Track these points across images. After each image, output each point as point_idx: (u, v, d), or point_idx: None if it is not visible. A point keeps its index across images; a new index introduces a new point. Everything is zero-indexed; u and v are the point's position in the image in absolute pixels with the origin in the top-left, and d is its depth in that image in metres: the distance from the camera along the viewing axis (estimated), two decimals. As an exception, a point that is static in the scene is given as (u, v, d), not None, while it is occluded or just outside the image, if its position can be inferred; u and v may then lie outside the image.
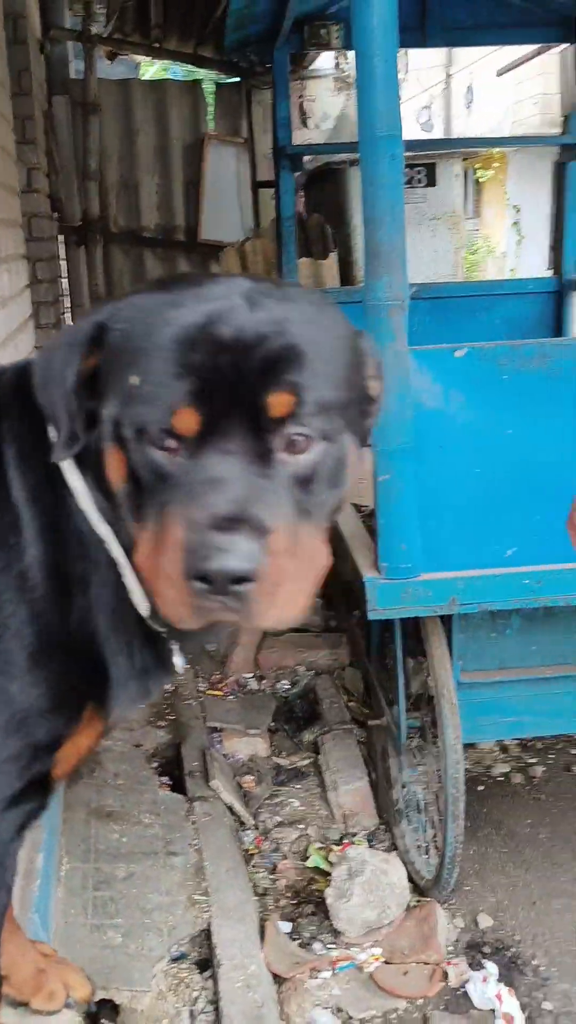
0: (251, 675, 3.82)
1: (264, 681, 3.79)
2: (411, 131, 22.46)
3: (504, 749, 3.34)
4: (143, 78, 8.14)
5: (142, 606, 1.05)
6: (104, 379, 0.97)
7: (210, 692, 3.69)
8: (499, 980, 2.30)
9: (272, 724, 3.47)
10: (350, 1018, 2.25)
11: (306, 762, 3.24)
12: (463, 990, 2.30)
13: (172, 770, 3.18)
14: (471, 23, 3.64)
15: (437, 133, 22.49)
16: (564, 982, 2.32)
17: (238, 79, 5.84)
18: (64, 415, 0.96)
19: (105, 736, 1.25)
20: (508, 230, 18.97)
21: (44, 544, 1.01)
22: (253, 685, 3.76)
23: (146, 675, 1.11)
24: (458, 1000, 2.28)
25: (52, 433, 0.99)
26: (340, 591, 3.81)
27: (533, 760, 3.27)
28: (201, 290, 0.96)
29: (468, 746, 3.28)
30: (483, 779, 3.18)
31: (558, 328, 3.99)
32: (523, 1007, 2.24)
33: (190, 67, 6.41)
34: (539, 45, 4.92)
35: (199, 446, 0.90)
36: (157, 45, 5.54)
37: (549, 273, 12.72)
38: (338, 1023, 2.23)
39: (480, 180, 18.79)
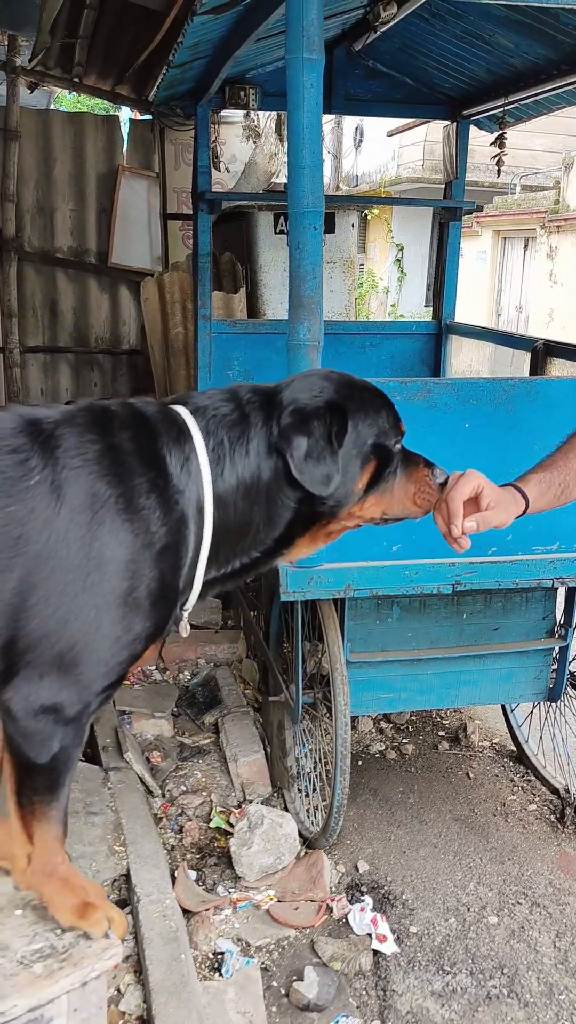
0: (155, 667, 4.18)
1: (167, 672, 4.15)
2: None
3: (380, 731, 3.81)
4: (61, 109, 8.43)
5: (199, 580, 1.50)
6: None
7: (118, 682, 4.02)
8: (374, 910, 2.74)
9: (175, 709, 3.83)
10: (248, 945, 2.63)
11: (207, 741, 3.60)
12: (344, 921, 2.72)
13: (85, 748, 3.50)
14: (369, 97, 4.17)
15: (327, 169, 23.35)
16: (426, 911, 2.77)
17: (151, 117, 6.24)
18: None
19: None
20: (391, 267, 19.93)
21: (173, 524, 1.43)
22: (157, 676, 4.12)
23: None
24: (340, 928, 2.69)
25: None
26: (241, 593, 4.22)
27: (405, 740, 3.75)
28: None
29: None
30: (362, 755, 3.63)
31: (436, 365, 4.54)
32: (393, 931, 2.68)
33: (107, 103, 6.75)
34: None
35: None
36: (77, 80, 5.88)
37: (426, 310, 13.51)
38: (238, 949, 2.61)
39: (367, 218, 19.70)
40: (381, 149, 19.89)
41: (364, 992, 2.49)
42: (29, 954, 1.40)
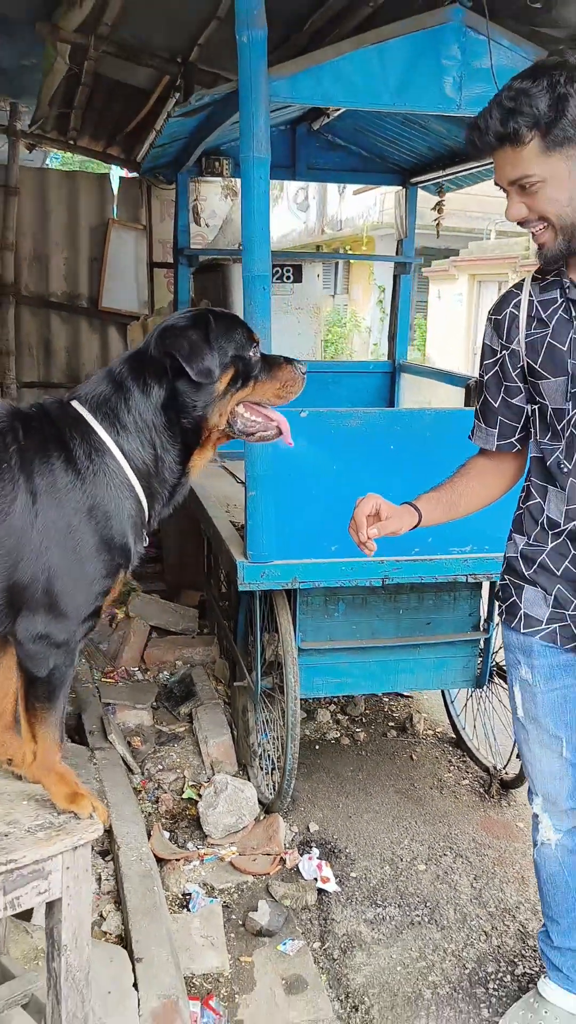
0: (137, 668, 4.66)
1: (148, 673, 4.63)
2: (287, 208, 24.09)
3: (337, 721, 4.29)
4: (57, 167, 9.08)
5: (146, 514, 1.97)
6: None
7: (104, 680, 4.51)
8: (320, 859, 3.22)
9: (154, 703, 4.31)
10: (212, 888, 3.10)
11: (182, 729, 4.08)
12: (296, 869, 3.20)
13: (73, 735, 3.97)
14: (329, 166, 4.76)
15: (312, 213, 24.17)
16: (365, 861, 3.25)
17: (138, 175, 6.84)
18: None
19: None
20: (374, 307, 20.63)
21: (98, 491, 1.90)
22: (139, 676, 4.60)
23: (137, 552, 2.02)
24: (291, 875, 3.17)
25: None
26: (215, 603, 4.72)
27: (359, 729, 4.24)
28: None
29: (309, 718, 4.25)
30: (320, 742, 4.12)
31: (391, 400, 5.09)
32: (336, 876, 3.16)
33: (99, 161, 7.37)
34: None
35: None
36: (72, 142, 6.49)
37: (410, 349, 14.00)
38: (203, 891, 3.08)
39: (350, 261, 20.44)
40: (365, 195, 20.67)
41: (308, 922, 2.96)
42: (34, 827, 1.89)
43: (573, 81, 1.83)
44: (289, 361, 2.12)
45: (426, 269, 18.00)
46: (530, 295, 2.14)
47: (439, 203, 4.39)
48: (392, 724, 4.29)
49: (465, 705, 4.05)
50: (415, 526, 2.28)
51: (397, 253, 4.89)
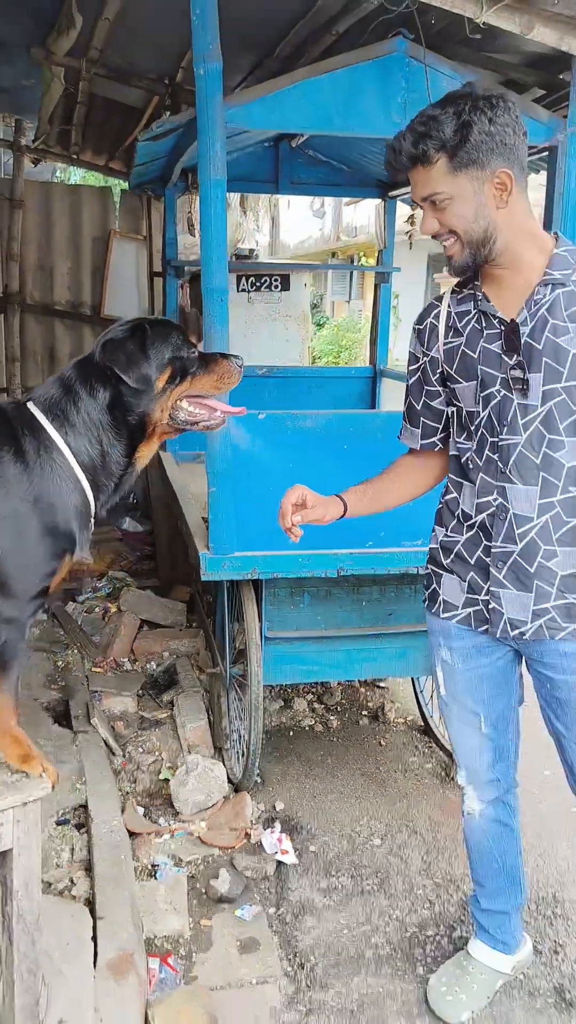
0: (127, 659, 4.89)
1: (136, 663, 4.86)
2: (304, 216, 24.33)
3: (313, 710, 4.50)
4: (61, 180, 9.37)
5: (92, 505, 2.19)
6: None
7: (93, 670, 4.74)
8: (282, 833, 3.43)
9: (139, 691, 4.54)
10: (180, 860, 3.31)
11: (164, 715, 4.30)
12: (259, 843, 3.41)
13: (61, 720, 4.20)
14: (312, 180, 4.99)
15: (328, 220, 24.43)
16: (325, 836, 3.46)
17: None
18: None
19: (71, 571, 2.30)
20: (388, 313, 20.78)
21: (44, 483, 2.12)
22: (128, 666, 4.83)
23: (84, 539, 2.25)
24: (255, 849, 3.38)
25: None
26: (199, 597, 4.95)
27: (332, 717, 4.44)
28: None
29: (286, 706, 4.46)
30: (294, 728, 4.32)
31: (372, 403, 5.30)
32: (296, 849, 3.37)
33: (101, 175, 7.64)
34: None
35: None
36: (75, 156, 6.76)
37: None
38: (171, 863, 3.30)
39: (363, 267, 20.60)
40: (374, 202, 20.86)
41: (267, 890, 3.17)
42: (-11, 784, 2.12)
43: (477, 110, 2.04)
44: (225, 356, 2.34)
45: (437, 275, 18.15)
46: (448, 307, 2.34)
47: (411, 216, 4.60)
48: (365, 713, 4.49)
49: (433, 694, 4.24)
50: (341, 516, 2.48)
51: (378, 263, 5.10)
